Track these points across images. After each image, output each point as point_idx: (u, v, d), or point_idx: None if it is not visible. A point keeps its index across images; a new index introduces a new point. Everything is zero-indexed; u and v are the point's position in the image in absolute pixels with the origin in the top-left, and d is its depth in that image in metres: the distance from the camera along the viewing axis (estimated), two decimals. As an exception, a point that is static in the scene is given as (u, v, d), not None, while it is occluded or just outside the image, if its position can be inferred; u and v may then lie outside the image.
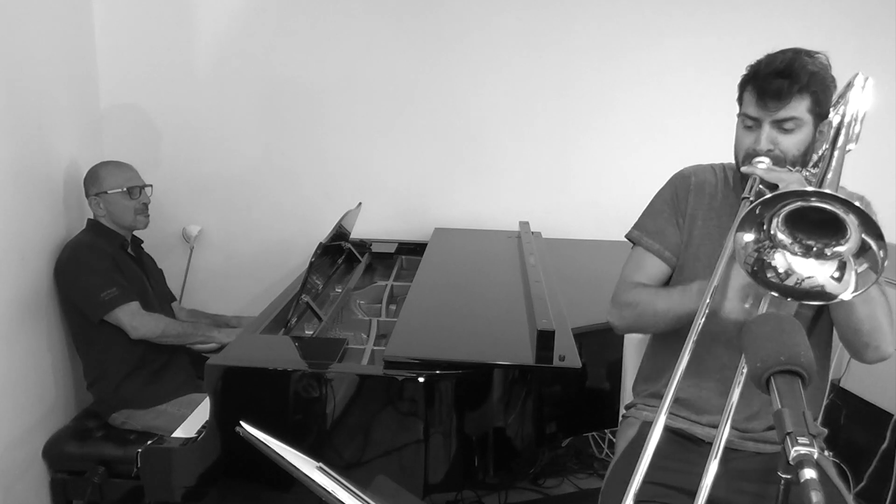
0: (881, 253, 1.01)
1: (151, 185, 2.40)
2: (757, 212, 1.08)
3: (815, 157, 1.41)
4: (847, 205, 1.01)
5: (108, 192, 2.30)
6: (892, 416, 2.38)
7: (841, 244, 1.04)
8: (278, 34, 2.82)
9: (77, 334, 2.31)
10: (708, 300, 1.21)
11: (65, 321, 2.40)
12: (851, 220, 1.02)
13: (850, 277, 1.04)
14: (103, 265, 2.22)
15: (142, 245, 2.51)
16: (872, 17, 2.81)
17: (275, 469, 0.96)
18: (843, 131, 1.33)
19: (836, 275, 1.05)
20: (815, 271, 1.06)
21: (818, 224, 1.06)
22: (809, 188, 1.13)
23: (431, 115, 2.91)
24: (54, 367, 2.39)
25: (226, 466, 1.66)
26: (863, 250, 1.02)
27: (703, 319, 1.19)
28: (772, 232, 1.08)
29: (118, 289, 2.18)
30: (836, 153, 1.26)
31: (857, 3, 2.81)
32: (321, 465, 0.93)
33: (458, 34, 2.85)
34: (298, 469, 0.92)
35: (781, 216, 1.08)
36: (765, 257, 1.08)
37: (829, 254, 1.05)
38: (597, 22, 2.84)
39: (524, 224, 2.80)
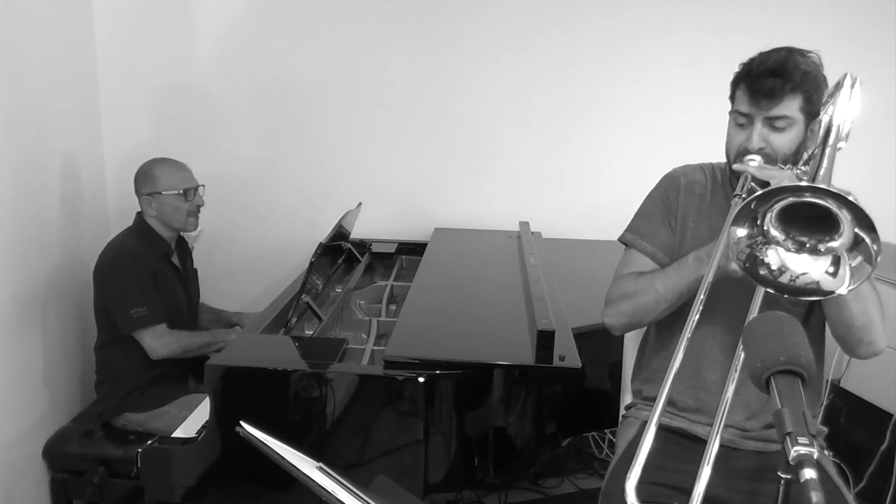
0: (874, 246, 1.02)
1: (204, 185, 2.35)
2: (752, 206, 1.08)
3: (805, 156, 1.41)
4: (840, 199, 1.01)
5: (163, 192, 2.24)
6: (892, 416, 2.38)
7: (834, 239, 1.05)
8: (278, 34, 2.82)
9: (103, 333, 2.26)
10: (703, 297, 1.20)
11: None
12: (844, 216, 1.02)
13: (845, 271, 1.05)
14: (140, 279, 2.17)
15: (187, 245, 2.47)
16: (872, 14, 2.81)
17: (275, 469, 0.96)
18: (832, 131, 1.33)
19: (831, 270, 1.05)
20: (808, 267, 1.07)
21: (811, 220, 1.06)
22: (804, 183, 1.13)
23: (431, 115, 2.91)
24: (54, 367, 2.39)
25: (226, 466, 1.66)
26: (856, 244, 1.03)
27: (698, 316, 1.19)
28: (765, 228, 1.08)
29: (147, 308, 2.15)
30: (827, 150, 1.26)
31: (856, 1, 2.81)
32: (321, 465, 0.93)
33: (458, 35, 2.84)
34: (298, 469, 0.92)
35: (774, 212, 1.08)
36: (757, 253, 1.09)
37: (822, 249, 1.06)
38: (596, 22, 2.84)
39: (524, 224, 2.80)
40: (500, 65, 2.87)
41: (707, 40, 2.80)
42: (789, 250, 1.08)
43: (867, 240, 1.01)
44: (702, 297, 1.20)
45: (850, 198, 1.01)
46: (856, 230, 1.02)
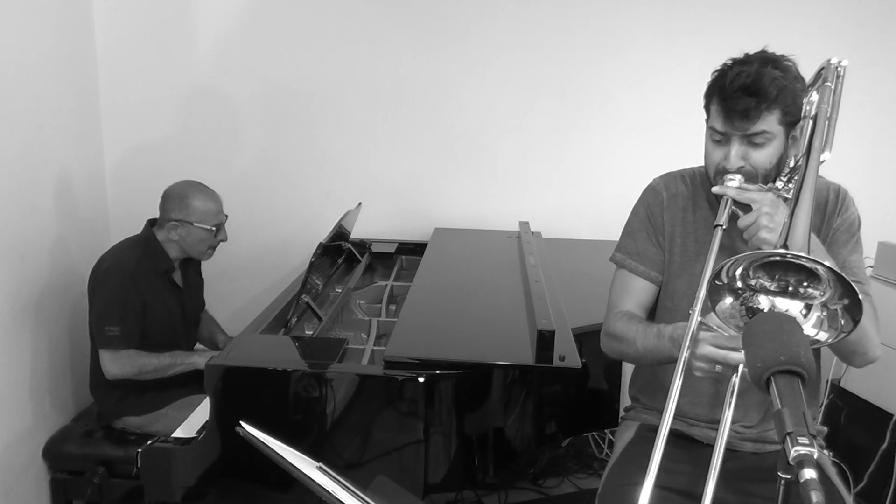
0: (843, 321, 1.01)
1: (227, 216, 2.25)
2: (719, 281, 1.08)
3: (790, 163, 1.37)
4: (814, 262, 1.01)
5: (195, 224, 2.15)
6: (892, 416, 2.39)
7: (813, 287, 1.05)
8: (278, 34, 2.82)
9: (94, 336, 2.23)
10: (693, 326, 1.19)
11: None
12: (822, 271, 1.01)
13: (813, 316, 1.05)
14: (126, 300, 2.10)
15: (192, 260, 2.33)
16: (872, 14, 2.80)
17: (275, 469, 0.96)
18: (815, 142, 1.28)
19: (804, 311, 1.06)
20: (789, 304, 1.08)
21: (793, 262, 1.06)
22: (776, 249, 1.08)
23: (432, 115, 2.91)
24: (55, 367, 2.39)
25: (226, 466, 1.66)
26: (831, 307, 1.03)
27: (688, 352, 1.19)
28: (749, 282, 1.08)
29: (122, 330, 2.08)
30: (804, 192, 1.18)
31: (855, 2, 2.81)
32: (321, 465, 0.94)
33: (459, 34, 2.84)
34: (298, 469, 0.93)
35: (752, 267, 1.07)
36: (752, 304, 1.09)
37: (801, 292, 1.06)
38: (597, 22, 2.84)
39: (524, 224, 2.80)
40: (500, 65, 2.87)
41: (707, 41, 2.79)
42: (775, 294, 1.08)
43: (838, 311, 1.02)
44: (689, 339, 1.19)
45: (828, 263, 1.00)
46: (834, 304, 1.02)
